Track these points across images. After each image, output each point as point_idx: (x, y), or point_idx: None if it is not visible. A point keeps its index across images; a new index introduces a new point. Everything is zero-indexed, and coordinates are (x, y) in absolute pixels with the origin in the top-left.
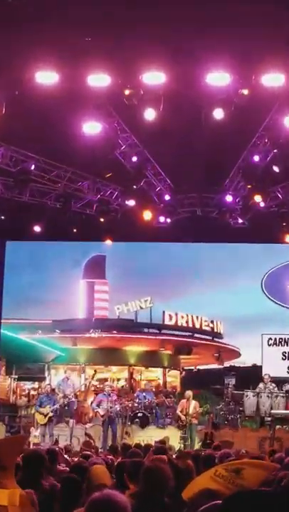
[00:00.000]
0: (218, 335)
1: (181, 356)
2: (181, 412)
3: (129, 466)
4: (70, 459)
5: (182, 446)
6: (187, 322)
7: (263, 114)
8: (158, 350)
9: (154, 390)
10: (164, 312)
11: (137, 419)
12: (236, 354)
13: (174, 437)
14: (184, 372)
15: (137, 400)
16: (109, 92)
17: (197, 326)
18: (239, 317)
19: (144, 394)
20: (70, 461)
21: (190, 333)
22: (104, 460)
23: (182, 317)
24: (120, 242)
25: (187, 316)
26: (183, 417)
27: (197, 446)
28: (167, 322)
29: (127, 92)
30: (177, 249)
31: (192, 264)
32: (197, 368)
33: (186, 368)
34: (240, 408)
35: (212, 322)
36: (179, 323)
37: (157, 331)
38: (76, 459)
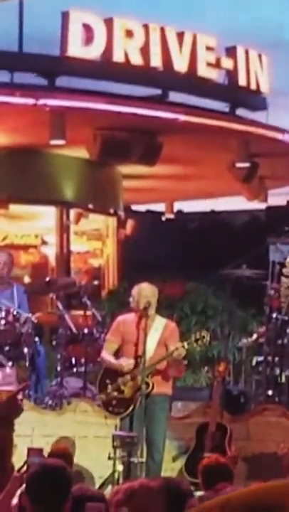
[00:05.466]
0: (249, 95)
1: (124, 170)
2: (118, 354)
3: None
4: None
5: (121, 467)
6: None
7: None
8: (45, 149)
9: (28, 279)
10: None
11: None
12: None
13: (92, 441)
14: (131, 225)
15: None
16: None
17: (179, 63)
18: None
19: None
20: None
21: (158, 89)
22: None
23: None
24: None
25: None
26: (125, 370)
27: (172, 469)
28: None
29: None
30: None
31: None
32: (176, 209)
33: (136, 208)
34: None
35: (232, 52)
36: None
37: (48, 74)
38: None
